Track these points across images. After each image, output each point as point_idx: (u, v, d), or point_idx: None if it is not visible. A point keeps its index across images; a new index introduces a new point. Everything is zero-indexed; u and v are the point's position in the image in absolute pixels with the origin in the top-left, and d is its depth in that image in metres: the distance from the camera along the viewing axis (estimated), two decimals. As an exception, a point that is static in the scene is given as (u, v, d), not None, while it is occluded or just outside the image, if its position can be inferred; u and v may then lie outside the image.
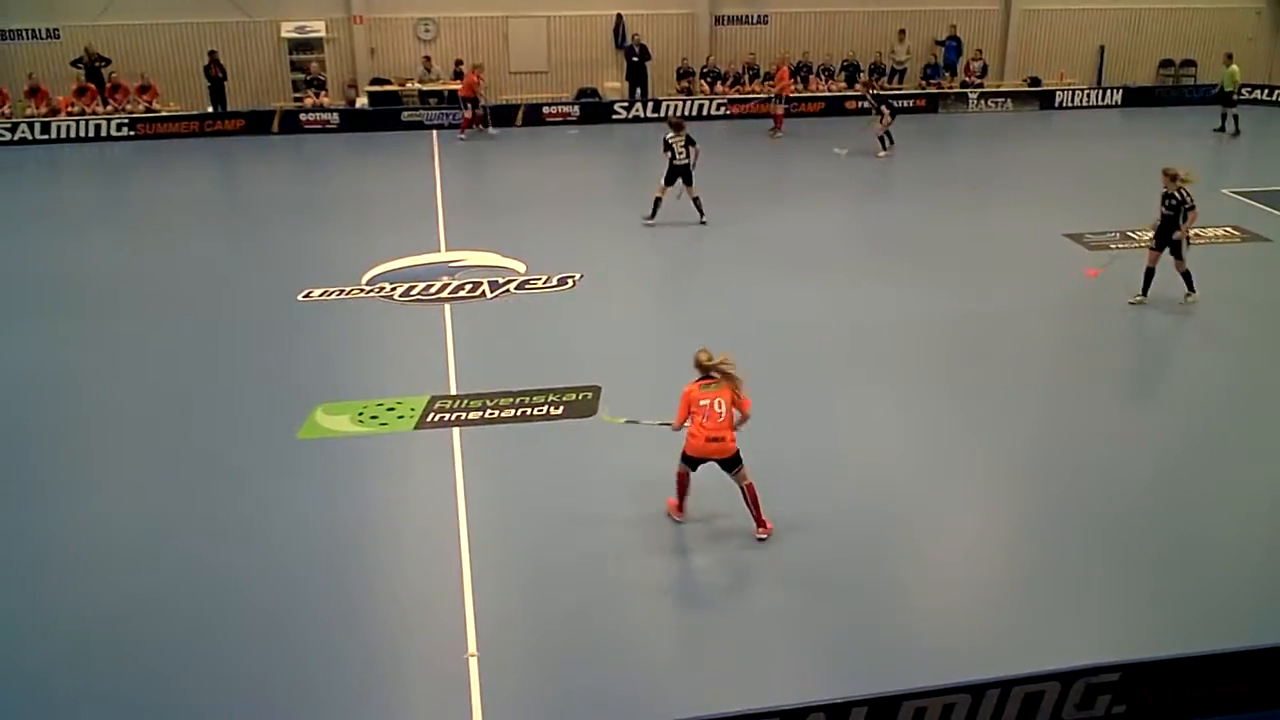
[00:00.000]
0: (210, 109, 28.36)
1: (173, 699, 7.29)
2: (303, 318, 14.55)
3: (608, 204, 19.05)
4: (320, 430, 11.20)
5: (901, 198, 21.25)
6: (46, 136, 27.27)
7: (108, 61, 28.07)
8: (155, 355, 13.39)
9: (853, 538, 9.10)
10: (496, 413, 11.42)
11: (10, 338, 13.94)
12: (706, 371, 8.90)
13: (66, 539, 9.30)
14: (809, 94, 30.09)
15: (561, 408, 11.50)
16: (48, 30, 28.19)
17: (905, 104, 29.65)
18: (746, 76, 30.61)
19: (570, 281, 15.70)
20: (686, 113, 29.36)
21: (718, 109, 29.93)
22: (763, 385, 11.98)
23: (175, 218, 20.25)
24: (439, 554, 8.92)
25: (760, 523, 9.07)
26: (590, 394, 11.76)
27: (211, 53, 27.98)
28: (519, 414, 11.41)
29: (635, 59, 29.67)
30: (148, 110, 28.02)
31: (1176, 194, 14.05)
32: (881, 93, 26.29)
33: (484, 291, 15.37)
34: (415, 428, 11.20)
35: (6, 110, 27.42)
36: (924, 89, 31.25)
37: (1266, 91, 31.39)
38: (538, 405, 11.58)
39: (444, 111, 28.35)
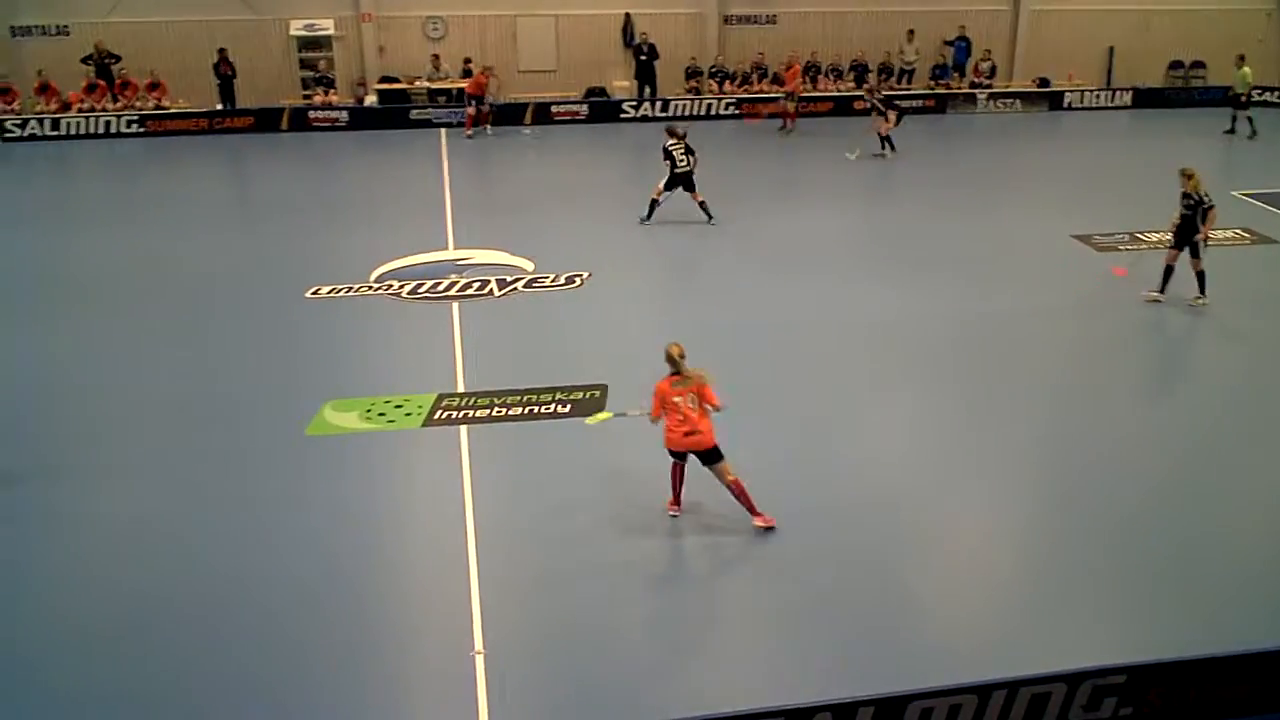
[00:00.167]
0: (219, 106, 28.43)
1: (179, 695, 7.31)
2: (311, 315, 14.58)
3: (616, 203, 19.05)
4: (328, 427, 11.22)
5: (909, 198, 21.21)
6: (56, 133, 27.36)
7: (117, 58, 28.13)
8: (164, 351, 13.42)
9: (859, 537, 9.10)
10: (504, 411, 11.43)
11: (20, 332, 13.99)
12: (677, 367, 8.98)
13: (74, 533, 9.34)
14: (817, 94, 30.04)
15: (569, 406, 11.51)
16: (58, 27, 28.29)
17: (913, 104, 29.68)
18: (755, 76, 30.60)
19: (578, 280, 15.71)
20: (694, 113, 29.52)
21: (726, 108, 29.93)
22: (771, 384, 12.11)
23: (184, 214, 20.29)
24: (446, 551, 8.94)
25: (755, 513, 9.11)
26: (598, 392, 11.76)
27: (221, 50, 28.06)
28: (526, 412, 11.42)
29: (644, 58, 29.66)
30: (157, 107, 28.10)
31: (1194, 193, 14.05)
32: (887, 94, 26.13)
33: (492, 290, 15.38)
34: (423, 425, 11.22)
35: (17, 107, 27.51)
36: (932, 89, 31.22)
37: (1277, 94, 31.27)
38: (545, 404, 11.59)
39: (452, 110, 28.35)
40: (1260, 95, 29.65)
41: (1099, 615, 8.13)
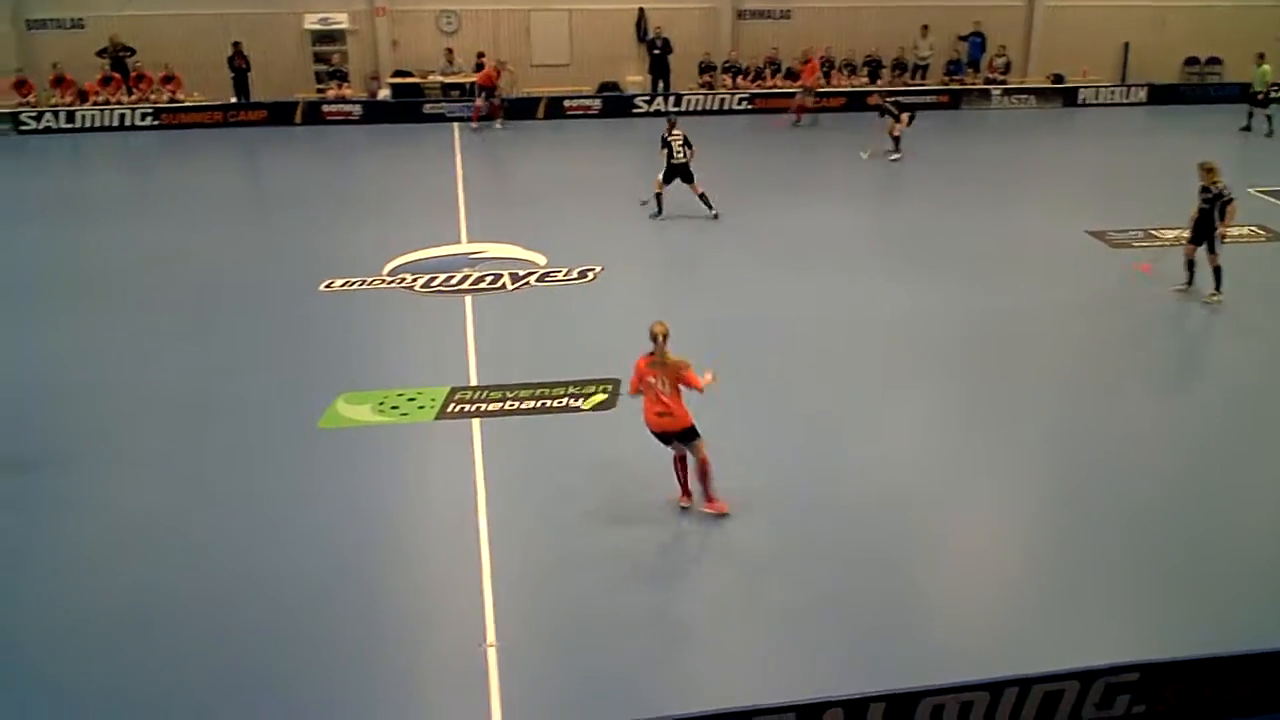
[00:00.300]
0: (234, 99, 28.49)
1: (189, 690, 7.34)
2: (324, 308, 14.62)
3: (628, 197, 19.01)
4: (341, 420, 11.26)
5: (922, 194, 21.15)
6: (72, 125, 27.44)
7: (132, 51, 28.21)
8: (177, 344, 13.47)
9: (869, 534, 9.09)
10: (516, 404, 11.45)
11: (35, 324, 14.04)
12: (656, 346, 9.03)
13: (86, 525, 9.38)
14: (831, 89, 29.96)
15: (581, 399, 11.51)
16: (73, 20, 28.36)
17: (927, 100, 29.58)
18: (768, 71, 30.54)
19: (590, 274, 15.71)
20: (708, 108, 29.54)
21: (739, 103, 29.88)
22: (781, 380, 12.10)
23: (198, 207, 20.35)
24: (458, 544, 8.96)
25: (710, 498, 9.24)
26: (610, 386, 11.77)
27: (235, 44, 28.10)
28: (539, 405, 11.43)
29: (658, 52, 29.62)
30: (172, 100, 28.17)
31: (1212, 187, 14.00)
32: (900, 100, 25.84)
33: (505, 283, 15.40)
34: (436, 418, 11.26)
35: (33, 99, 27.60)
36: (946, 85, 31.11)
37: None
38: (557, 397, 11.60)
39: (466, 104, 28.32)
40: (1279, 93, 29.48)
41: (1111, 613, 8.12)
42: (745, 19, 31.11)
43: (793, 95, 28.92)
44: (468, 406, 11.45)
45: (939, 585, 8.56)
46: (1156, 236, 17.30)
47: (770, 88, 30.26)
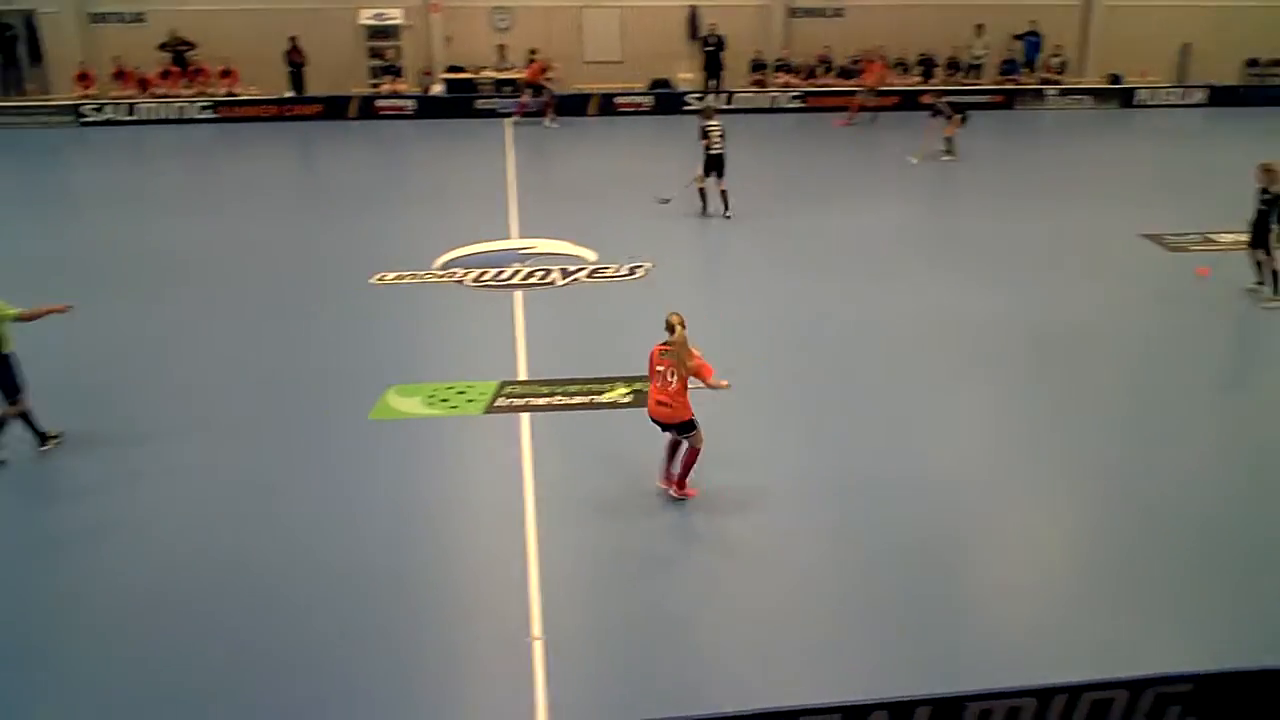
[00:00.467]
0: (289, 94, 28.86)
1: (233, 671, 7.45)
2: (376, 301, 14.76)
3: (679, 195, 19.00)
4: (391, 412, 11.37)
5: (975, 195, 20.97)
6: (132, 118, 27.96)
7: (192, 46, 28.69)
8: (230, 334, 13.68)
9: (922, 536, 9.03)
10: (565, 399, 11.50)
11: (93, 313, 14.26)
12: (670, 336, 9.13)
13: (137, 510, 9.53)
14: (884, 88, 29.73)
15: (630, 396, 11.54)
16: (134, 14, 28.89)
17: (981, 100, 29.31)
18: (820, 70, 30.42)
19: (641, 270, 15.74)
20: (758, 106, 29.55)
21: (790, 102, 29.80)
22: (836, 381, 12.05)
23: (253, 199, 20.68)
24: (505, 537, 9.02)
25: (680, 484, 9.42)
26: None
27: (292, 38, 28.47)
28: (587, 401, 11.48)
29: (711, 49, 29.59)
30: (229, 94, 28.59)
31: (1271, 189, 13.79)
32: (953, 100, 25.56)
33: (555, 279, 15.47)
34: (484, 412, 11.33)
35: (94, 92, 28.12)
36: (1001, 85, 30.80)
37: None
38: (605, 393, 11.64)
39: (518, 100, 28.55)
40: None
41: (1165, 621, 8.01)
42: (797, 17, 31.01)
43: (843, 94, 28.79)
44: (516, 401, 11.53)
45: (991, 588, 8.49)
46: (1214, 240, 17.03)
47: (822, 86, 30.15)
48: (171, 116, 28.14)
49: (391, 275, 15.57)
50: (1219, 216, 17.43)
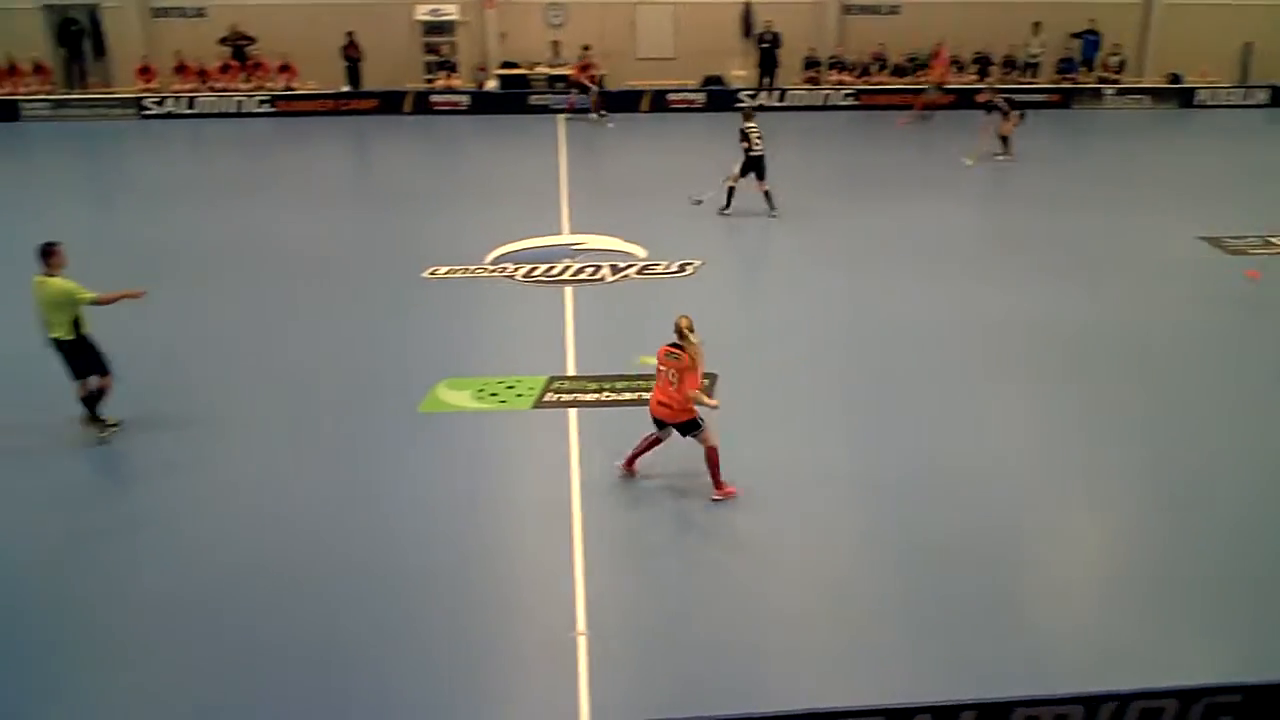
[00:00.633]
0: (345, 88, 29.18)
1: (285, 661, 7.55)
2: (429, 294, 14.90)
3: (714, 194, 18.96)
4: (441, 405, 11.48)
5: (1029, 195, 20.71)
6: (191, 111, 28.44)
7: (252, 40, 29.10)
8: (286, 323, 13.91)
9: (964, 539, 8.97)
10: (613, 395, 11.54)
11: (151, 303, 14.50)
12: (678, 339, 9.23)
13: (192, 500, 9.68)
14: (925, 85, 29.45)
15: (677, 394, 11.55)
16: (196, 9, 29.39)
17: (1037, 99, 28.99)
18: (874, 67, 30.24)
19: (690, 268, 15.76)
20: (812, 103, 29.46)
21: (844, 99, 29.66)
22: (883, 380, 11.99)
23: (309, 192, 20.94)
24: (551, 532, 9.08)
25: (717, 485, 9.46)
26: (706, 381, 11.77)
27: (349, 33, 28.78)
28: (636, 398, 11.50)
29: (766, 45, 29.52)
30: (287, 88, 28.97)
31: None
32: (1010, 99, 25.18)
33: (605, 275, 15.53)
34: (533, 406, 11.41)
35: (156, 85, 28.62)
36: (1058, 83, 30.42)
37: None
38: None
39: (568, 97, 28.67)
40: None
41: (1217, 631, 7.90)
42: (852, 14, 30.86)
43: (898, 92, 28.59)
44: (564, 396, 11.59)
45: (1037, 593, 8.42)
46: (1275, 244, 16.73)
47: (876, 84, 29.97)
48: (230, 110, 28.59)
49: (444, 269, 15.72)
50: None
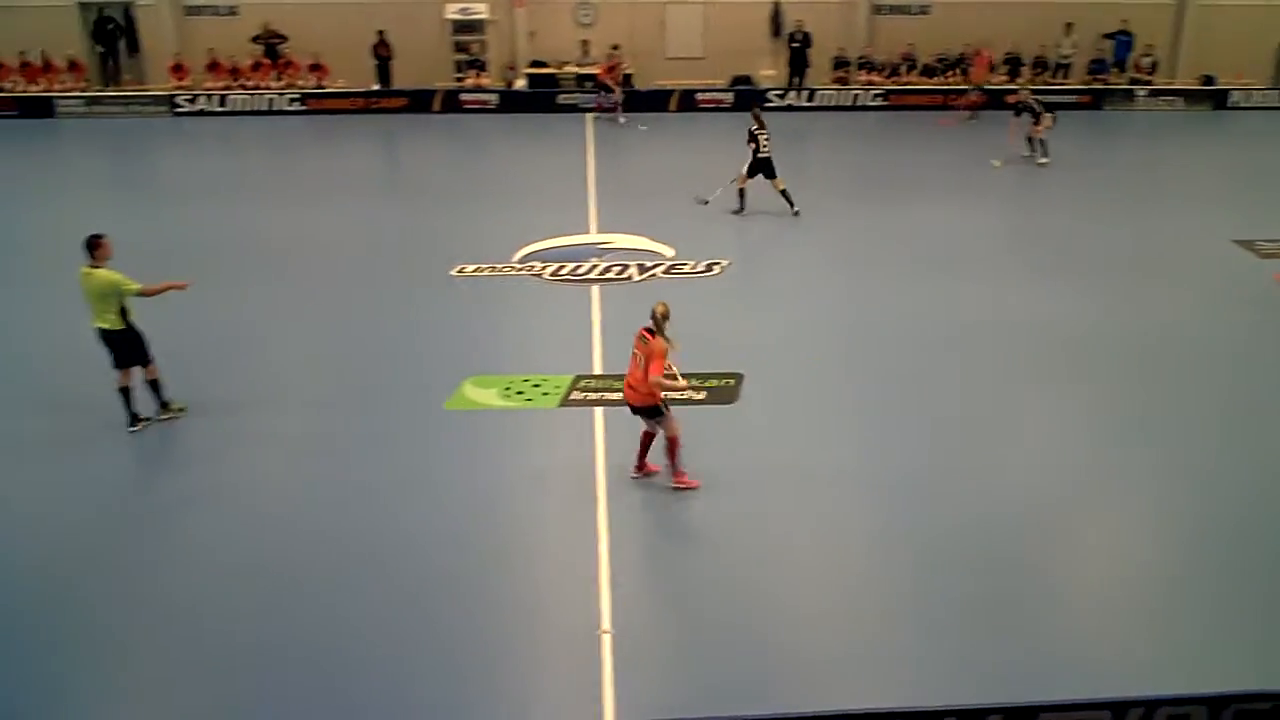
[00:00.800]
0: (375, 87, 29.33)
1: (310, 655, 7.60)
2: (456, 292, 14.96)
3: (758, 192, 18.94)
4: (467, 402, 11.52)
5: (1058, 197, 20.57)
6: (223, 109, 28.65)
7: (284, 39, 29.30)
8: (314, 321, 14.00)
9: (1001, 542, 8.93)
10: (639, 395, 11.54)
11: (183, 297, 14.64)
12: (652, 326, 9.31)
13: (210, 495, 9.75)
14: (968, 86, 29.34)
15: (704, 393, 11.57)
16: (228, 7, 29.61)
17: (1068, 100, 28.80)
18: (904, 68, 30.13)
19: (718, 267, 15.75)
20: (840, 103, 29.40)
21: (873, 99, 29.57)
22: (918, 383, 11.94)
23: (338, 189, 21.06)
24: (576, 530, 9.10)
25: (675, 475, 9.60)
26: (732, 380, 11.80)
27: (380, 32, 28.93)
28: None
29: (797, 45, 29.47)
30: (317, 86, 29.15)
31: None
32: (1042, 100, 24.90)
33: (632, 274, 15.54)
34: (559, 405, 11.43)
35: (188, 83, 28.87)
36: (1089, 84, 30.20)
37: None
38: (679, 389, 11.63)
39: (595, 96, 28.73)
40: None
41: (1250, 638, 7.82)
42: (882, 13, 30.73)
43: (927, 92, 28.48)
44: (591, 395, 11.60)
45: (1069, 597, 8.36)
46: (1310, 247, 16.58)
47: (905, 84, 29.86)
48: (261, 108, 28.78)
49: (472, 267, 15.77)
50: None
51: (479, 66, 29.82)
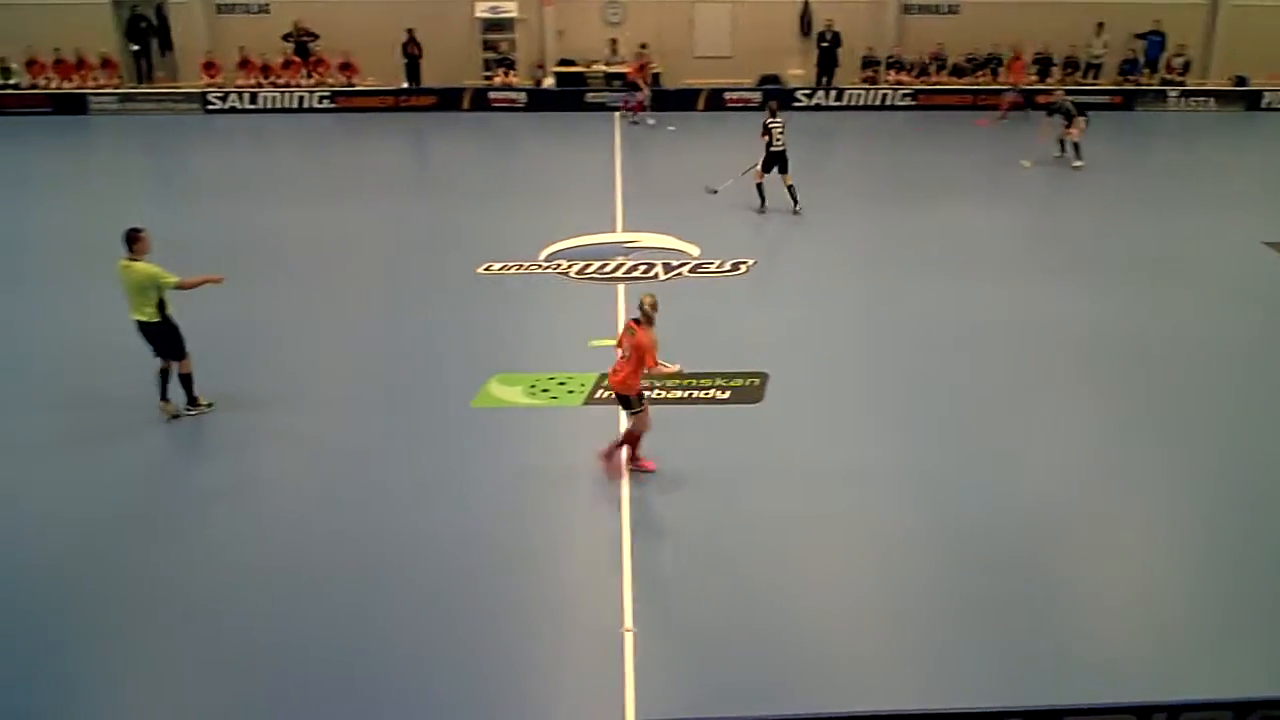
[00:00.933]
0: (405, 85, 29.48)
1: (331, 654, 7.64)
2: (482, 290, 15.02)
3: (783, 191, 18.91)
4: (493, 400, 11.58)
5: (1088, 198, 20.43)
6: (254, 106, 28.87)
7: (315, 37, 29.49)
8: (341, 317, 14.09)
9: (1021, 544, 8.90)
10: (663, 394, 11.57)
11: (210, 292, 14.77)
12: (640, 317, 9.50)
13: (234, 494, 9.81)
14: (999, 86, 29.17)
15: (728, 392, 11.58)
16: (260, 6, 29.85)
17: (1100, 100, 28.59)
18: (933, 67, 30.00)
19: (743, 267, 15.75)
20: (869, 102, 29.31)
21: (902, 99, 29.47)
22: (943, 385, 11.90)
23: (367, 187, 21.20)
24: (600, 529, 9.14)
25: (631, 457, 9.92)
26: (758, 380, 11.80)
27: (409, 31, 29.07)
28: (686, 396, 11.54)
29: (826, 44, 29.40)
30: (347, 84, 29.32)
31: None
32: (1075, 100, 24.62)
33: (658, 273, 15.56)
34: (584, 403, 11.47)
35: (219, 80, 29.11)
36: (1120, 85, 29.97)
37: None
38: (704, 388, 11.68)
39: (623, 96, 28.77)
40: None
41: (1272, 644, 7.77)
42: (911, 13, 30.60)
43: (956, 92, 28.35)
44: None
45: (1092, 601, 8.32)
46: (1343, 251, 16.40)
47: (935, 84, 29.74)
48: (291, 106, 28.99)
49: (498, 265, 15.84)
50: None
51: (508, 65, 29.91)
